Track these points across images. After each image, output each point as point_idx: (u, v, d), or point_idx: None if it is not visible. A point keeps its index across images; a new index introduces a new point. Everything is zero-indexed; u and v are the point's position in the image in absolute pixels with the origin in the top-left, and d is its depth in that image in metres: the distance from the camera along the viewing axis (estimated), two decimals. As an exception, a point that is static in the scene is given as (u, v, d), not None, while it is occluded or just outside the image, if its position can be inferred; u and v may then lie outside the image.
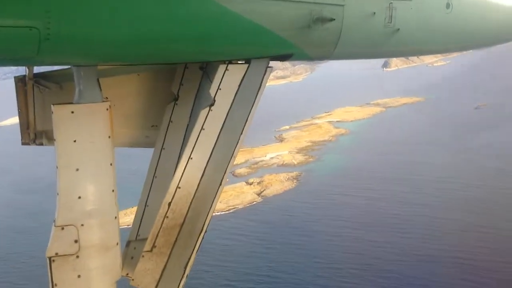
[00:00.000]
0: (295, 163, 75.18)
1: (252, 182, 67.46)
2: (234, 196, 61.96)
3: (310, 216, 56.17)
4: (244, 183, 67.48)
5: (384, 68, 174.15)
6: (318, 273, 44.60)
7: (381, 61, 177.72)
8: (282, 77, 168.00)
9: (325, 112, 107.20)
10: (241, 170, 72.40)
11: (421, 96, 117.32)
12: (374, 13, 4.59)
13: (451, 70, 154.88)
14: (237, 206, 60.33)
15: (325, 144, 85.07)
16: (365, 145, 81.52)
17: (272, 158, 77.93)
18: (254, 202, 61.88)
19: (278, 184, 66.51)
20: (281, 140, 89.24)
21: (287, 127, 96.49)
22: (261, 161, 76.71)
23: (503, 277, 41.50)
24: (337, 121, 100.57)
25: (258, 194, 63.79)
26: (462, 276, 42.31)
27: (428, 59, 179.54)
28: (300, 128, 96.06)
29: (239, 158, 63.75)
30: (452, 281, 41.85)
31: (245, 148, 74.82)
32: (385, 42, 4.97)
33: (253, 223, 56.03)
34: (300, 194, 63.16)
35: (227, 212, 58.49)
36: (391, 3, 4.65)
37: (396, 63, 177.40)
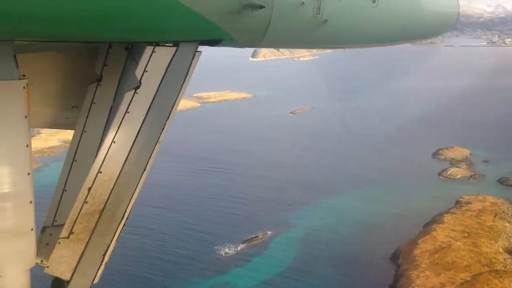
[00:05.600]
0: None
1: None
2: None
3: None
4: None
5: (250, 58, 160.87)
6: None
7: (252, 49, 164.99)
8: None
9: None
10: None
11: (252, 93, 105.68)
12: (303, 3, 4.61)
13: (311, 67, 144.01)
14: None
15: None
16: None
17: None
18: None
19: None
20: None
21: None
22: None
23: None
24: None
25: None
26: None
27: (299, 53, 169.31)
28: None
29: None
30: None
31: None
32: (313, 33, 5.05)
33: None
34: None
35: None
36: None
37: (264, 54, 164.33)
